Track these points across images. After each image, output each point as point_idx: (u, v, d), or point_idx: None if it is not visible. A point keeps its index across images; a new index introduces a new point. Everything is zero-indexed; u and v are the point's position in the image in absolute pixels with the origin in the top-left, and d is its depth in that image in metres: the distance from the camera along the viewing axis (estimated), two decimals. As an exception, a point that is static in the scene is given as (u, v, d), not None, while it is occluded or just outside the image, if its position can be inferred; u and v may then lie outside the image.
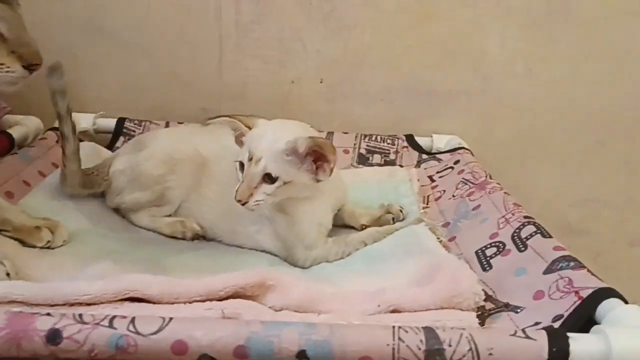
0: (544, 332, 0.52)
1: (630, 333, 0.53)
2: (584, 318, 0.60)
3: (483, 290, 0.68)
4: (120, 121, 1.26)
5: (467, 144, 1.25)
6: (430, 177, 1.15)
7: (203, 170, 0.95)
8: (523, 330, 0.53)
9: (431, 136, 1.28)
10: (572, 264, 0.68)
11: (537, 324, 0.62)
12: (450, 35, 1.28)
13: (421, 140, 1.27)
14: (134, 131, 1.25)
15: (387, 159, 1.23)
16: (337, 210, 0.97)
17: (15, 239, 0.81)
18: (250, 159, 0.82)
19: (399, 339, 0.51)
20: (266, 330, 0.51)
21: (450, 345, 0.51)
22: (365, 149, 1.24)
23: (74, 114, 1.23)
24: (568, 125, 1.33)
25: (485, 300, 0.68)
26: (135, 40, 1.28)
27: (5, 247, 0.78)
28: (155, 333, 0.50)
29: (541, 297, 0.66)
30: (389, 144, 1.26)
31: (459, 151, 1.20)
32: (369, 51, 1.29)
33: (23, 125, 1.17)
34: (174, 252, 0.89)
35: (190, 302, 0.65)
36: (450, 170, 1.14)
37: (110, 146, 1.22)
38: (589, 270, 0.66)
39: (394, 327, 0.51)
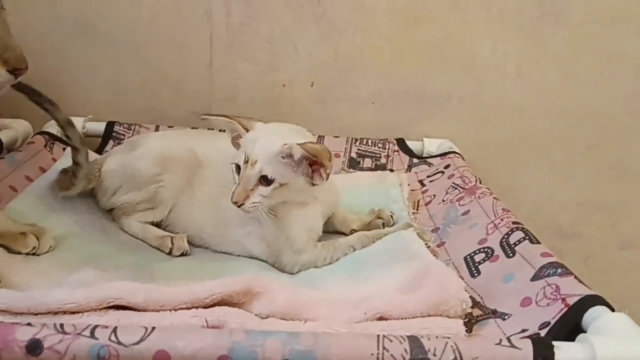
0: (529, 341, 0.52)
1: (615, 342, 0.53)
2: (570, 325, 0.60)
3: (471, 296, 0.67)
4: (110, 125, 1.25)
5: (458, 147, 1.25)
6: (421, 182, 1.15)
7: (196, 171, 0.95)
8: (508, 339, 0.52)
9: (422, 140, 1.28)
10: (559, 270, 0.67)
11: (524, 331, 0.62)
12: (442, 38, 1.28)
13: (412, 144, 1.27)
14: (123, 135, 1.24)
15: (378, 163, 1.23)
16: (328, 216, 0.97)
17: (0, 246, 0.80)
18: (246, 162, 0.83)
19: (384, 348, 0.50)
20: (249, 340, 0.50)
21: (435, 355, 0.50)
22: (356, 153, 1.24)
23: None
24: (559, 129, 1.34)
25: (473, 306, 0.68)
26: (125, 43, 1.27)
27: (-11, 254, 0.77)
28: (137, 343, 0.50)
29: (528, 304, 0.66)
30: (379, 147, 1.25)
31: (450, 155, 1.20)
32: (360, 54, 1.28)
33: (12, 129, 1.16)
34: (161, 259, 0.88)
35: (175, 310, 0.65)
36: (440, 174, 1.14)
37: (100, 150, 1.22)
38: (576, 277, 0.66)
39: (378, 336, 0.51)
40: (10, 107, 1.22)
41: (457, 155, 1.20)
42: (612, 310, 0.59)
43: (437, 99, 1.31)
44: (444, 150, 1.23)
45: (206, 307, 0.65)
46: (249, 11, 1.26)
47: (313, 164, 0.83)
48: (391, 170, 1.20)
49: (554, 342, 0.52)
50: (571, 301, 0.61)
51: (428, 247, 0.82)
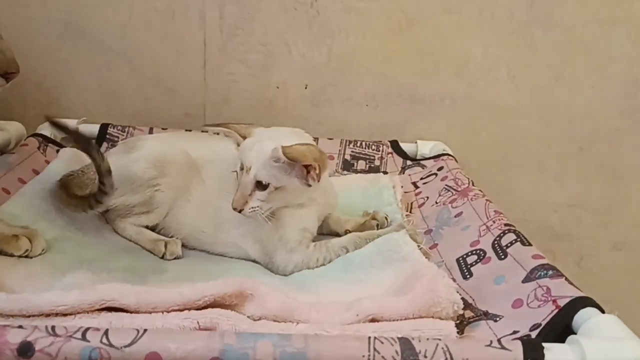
0: (519, 343, 0.52)
1: (604, 344, 0.53)
2: (561, 327, 0.60)
3: (463, 298, 0.68)
4: (103, 127, 1.25)
5: (451, 149, 1.26)
6: (414, 184, 1.16)
7: (192, 174, 0.95)
8: (499, 341, 0.53)
9: (416, 142, 1.29)
10: (550, 272, 0.68)
11: (515, 332, 0.63)
12: (434, 41, 1.28)
13: (406, 146, 1.27)
14: (117, 137, 1.24)
15: (372, 165, 1.24)
16: (324, 218, 0.97)
17: (-8, 248, 0.80)
18: (242, 168, 0.84)
19: (375, 349, 0.51)
20: (241, 342, 0.50)
21: (425, 356, 0.51)
22: (350, 155, 1.24)
23: (56, 120, 1.24)
24: (550, 131, 1.34)
25: (464, 308, 0.68)
26: (118, 45, 1.27)
27: (-18, 257, 0.77)
28: (128, 345, 0.50)
29: (520, 305, 0.67)
30: (373, 150, 1.26)
31: (443, 157, 1.20)
32: (354, 57, 1.29)
33: (5, 131, 1.15)
34: (154, 262, 0.88)
35: (167, 312, 0.64)
36: (434, 176, 1.14)
37: (93, 152, 1.21)
38: (567, 279, 0.66)
39: (369, 338, 0.51)
40: (3, 110, 1.22)
41: (450, 157, 1.20)
42: (603, 312, 0.59)
43: (431, 101, 1.32)
44: (437, 153, 1.24)
45: (198, 309, 0.65)
46: (243, 13, 1.26)
47: (308, 166, 0.83)
48: (385, 173, 1.20)
49: (544, 344, 0.52)
50: (562, 303, 0.62)
51: (420, 249, 0.82)
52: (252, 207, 0.84)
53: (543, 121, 1.34)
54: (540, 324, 0.61)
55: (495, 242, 0.81)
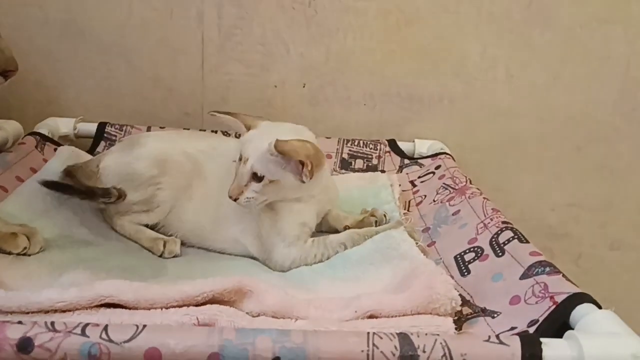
0: (517, 338, 0.52)
1: (601, 339, 0.53)
2: (558, 323, 0.60)
3: (460, 295, 0.68)
4: (101, 126, 1.25)
5: (449, 148, 1.26)
6: (412, 182, 1.16)
7: (194, 172, 0.96)
8: (497, 336, 0.53)
9: (413, 141, 1.29)
10: (547, 269, 0.68)
11: (513, 328, 0.63)
12: (432, 41, 1.29)
13: (403, 145, 1.28)
14: (115, 136, 1.24)
15: (370, 164, 1.24)
16: (323, 215, 0.97)
17: (-9, 246, 0.80)
18: (240, 159, 0.86)
19: (374, 345, 0.51)
20: (240, 338, 0.51)
21: (424, 351, 0.51)
22: (348, 154, 1.25)
23: (54, 119, 1.24)
24: (548, 131, 1.35)
25: (462, 305, 0.69)
26: (116, 44, 1.27)
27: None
28: (128, 341, 0.50)
29: (517, 302, 0.67)
30: (371, 148, 1.26)
31: (441, 156, 1.21)
32: (352, 56, 1.29)
33: (3, 130, 1.15)
34: (152, 260, 0.88)
35: (166, 308, 0.65)
36: (431, 175, 1.15)
37: (91, 151, 1.21)
38: (564, 276, 0.67)
39: (368, 333, 0.51)
40: (1, 108, 1.22)
41: (447, 156, 1.21)
42: (600, 308, 0.60)
43: (428, 100, 1.32)
44: (435, 151, 1.24)
45: (197, 305, 0.65)
46: (241, 13, 1.26)
47: (303, 162, 0.84)
48: (382, 171, 1.21)
49: (541, 339, 0.53)
50: (559, 299, 0.62)
51: (418, 246, 0.83)
52: (247, 198, 0.85)
53: (541, 120, 1.34)
54: (537, 320, 0.61)
55: (493, 239, 0.81)
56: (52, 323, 0.51)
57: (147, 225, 0.95)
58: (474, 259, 0.81)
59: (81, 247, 0.88)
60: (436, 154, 1.23)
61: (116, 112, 1.30)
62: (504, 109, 1.33)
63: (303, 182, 0.85)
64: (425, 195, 1.08)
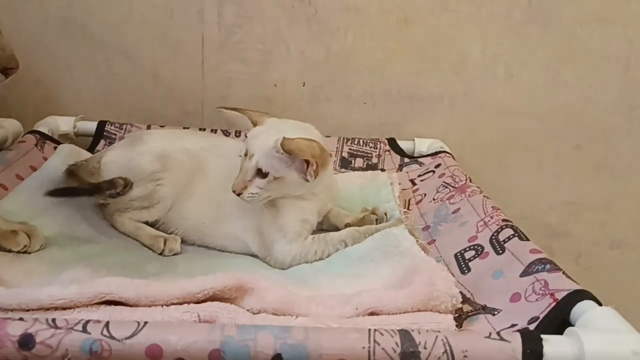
0: (518, 334, 0.52)
1: (602, 335, 0.53)
2: (558, 320, 0.60)
3: (461, 292, 0.68)
4: (101, 124, 1.25)
5: (449, 147, 1.26)
6: (412, 181, 1.16)
7: (196, 169, 0.96)
8: (498, 333, 0.53)
9: (413, 140, 1.29)
10: (547, 266, 0.68)
11: (513, 325, 0.63)
12: (432, 39, 1.29)
13: (403, 144, 1.28)
14: (115, 134, 1.24)
15: (370, 163, 1.24)
16: (325, 213, 0.98)
17: (-9, 244, 0.80)
18: (246, 154, 0.86)
19: (375, 341, 0.51)
20: (241, 334, 0.50)
21: (425, 348, 0.51)
22: (348, 153, 1.25)
23: (54, 117, 1.24)
24: (547, 129, 1.35)
25: (463, 302, 0.69)
26: (116, 42, 1.27)
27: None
28: (129, 337, 0.50)
29: (518, 299, 0.67)
30: (371, 147, 1.26)
31: (441, 155, 1.21)
32: (352, 54, 1.29)
33: (2, 128, 1.15)
34: (152, 257, 0.88)
35: (167, 305, 0.65)
36: (431, 173, 1.15)
37: (91, 149, 1.21)
38: (564, 273, 0.67)
39: (369, 330, 0.51)
40: (0, 107, 1.22)
41: (447, 154, 1.21)
42: (600, 304, 0.60)
43: (428, 99, 1.32)
44: (434, 150, 1.24)
45: (197, 302, 0.65)
46: (241, 11, 1.26)
47: (308, 161, 0.84)
48: (382, 170, 1.21)
49: (542, 335, 0.53)
50: (559, 296, 0.62)
51: (419, 243, 0.83)
52: (251, 193, 0.85)
53: (540, 119, 1.34)
54: (538, 317, 0.61)
55: (493, 237, 0.81)
56: (54, 320, 0.51)
57: (147, 223, 0.95)
58: (474, 257, 0.81)
59: (81, 245, 0.88)
60: (436, 153, 1.23)
61: (116, 111, 1.29)
62: (504, 108, 1.33)
63: (307, 180, 0.85)
64: (425, 194, 1.08)
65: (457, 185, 1.03)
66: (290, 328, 0.51)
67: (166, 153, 0.95)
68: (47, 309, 0.63)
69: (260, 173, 0.85)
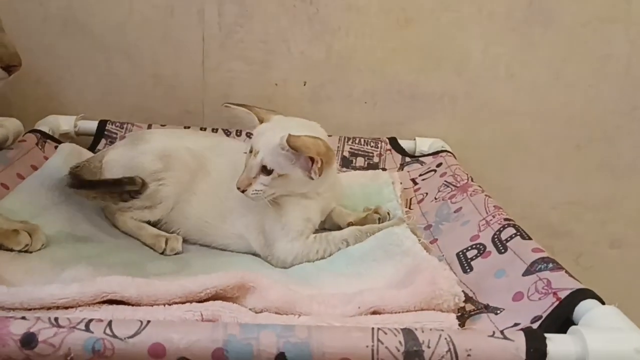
0: (521, 333, 0.52)
1: (605, 334, 0.53)
2: (561, 319, 0.60)
3: (463, 291, 0.68)
4: (102, 123, 1.25)
5: (450, 147, 1.26)
6: (413, 180, 1.16)
7: (198, 169, 0.96)
8: (501, 331, 0.53)
9: (414, 139, 1.29)
10: (550, 265, 0.68)
11: (516, 324, 0.63)
12: (433, 39, 1.28)
13: (404, 143, 1.28)
14: (115, 133, 1.24)
15: (371, 162, 1.24)
16: (328, 212, 0.97)
17: (-8, 243, 0.80)
18: (251, 151, 0.86)
19: (378, 340, 0.51)
20: (244, 333, 0.50)
21: (429, 347, 0.51)
22: (349, 152, 1.25)
23: (55, 117, 1.24)
24: (548, 129, 1.35)
25: (465, 301, 0.69)
26: (117, 41, 1.27)
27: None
28: (132, 336, 0.50)
29: (520, 298, 0.67)
30: (372, 146, 1.26)
31: (442, 154, 1.21)
32: (353, 54, 1.29)
33: (3, 127, 1.15)
34: (154, 257, 0.88)
35: (169, 304, 0.64)
36: (432, 173, 1.15)
37: (92, 149, 1.21)
38: (567, 272, 0.67)
39: (372, 328, 0.51)
40: (1, 106, 1.22)
41: (449, 154, 1.21)
42: (603, 303, 0.60)
43: (429, 98, 1.32)
44: (436, 149, 1.24)
45: (200, 301, 0.65)
46: (242, 11, 1.26)
47: (312, 159, 0.84)
48: (384, 169, 1.21)
49: (546, 334, 0.52)
50: (562, 295, 0.62)
51: (420, 242, 0.83)
52: (255, 190, 0.85)
53: (541, 119, 1.34)
54: (541, 316, 0.61)
55: (495, 236, 0.81)
56: (56, 318, 0.51)
57: (149, 222, 0.95)
58: (476, 256, 0.81)
59: (82, 244, 0.88)
60: (437, 152, 1.23)
61: (117, 110, 1.29)
62: (505, 107, 1.33)
63: (312, 178, 0.85)
64: (426, 193, 1.08)
65: (458, 185, 1.02)
66: (293, 327, 0.51)
67: (168, 152, 0.95)
68: (49, 308, 0.63)
69: (265, 170, 0.85)
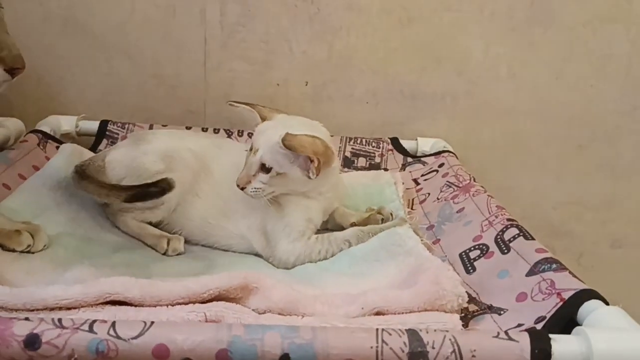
0: (526, 334, 0.52)
1: (610, 334, 0.53)
2: (565, 319, 0.60)
3: (467, 292, 0.68)
4: (103, 124, 1.25)
5: (452, 147, 1.26)
6: (415, 180, 1.16)
7: (200, 169, 0.96)
8: (505, 332, 0.53)
9: (416, 139, 1.29)
10: (554, 265, 0.68)
11: (520, 325, 0.63)
12: (435, 38, 1.28)
13: (406, 143, 1.28)
14: (117, 134, 1.23)
15: (372, 162, 1.24)
16: (330, 212, 0.97)
17: (-5, 243, 0.80)
18: (251, 149, 0.87)
19: (383, 341, 0.51)
20: (249, 334, 0.50)
21: (433, 347, 0.51)
22: (351, 152, 1.25)
23: (56, 117, 1.24)
24: (549, 129, 1.35)
25: (468, 302, 0.68)
26: (118, 41, 1.27)
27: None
28: (136, 337, 0.50)
29: (524, 299, 0.67)
30: (374, 147, 1.26)
31: (444, 154, 1.21)
32: (354, 53, 1.29)
33: (4, 127, 1.14)
34: (156, 257, 0.88)
35: (172, 305, 0.64)
36: (434, 173, 1.14)
37: (93, 149, 1.21)
38: (570, 272, 0.66)
39: (377, 329, 0.51)
40: (3, 106, 1.22)
41: (451, 154, 1.20)
42: (607, 303, 0.60)
43: (431, 98, 1.32)
44: (438, 150, 1.24)
45: (203, 302, 0.65)
46: (244, 10, 1.26)
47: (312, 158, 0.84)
48: (385, 169, 1.21)
49: (550, 335, 0.52)
50: (566, 295, 0.62)
51: (423, 242, 0.82)
52: (254, 188, 0.86)
53: (543, 119, 1.34)
54: (545, 317, 0.61)
55: (498, 236, 0.81)
56: (60, 319, 0.51)
57: (150, 223, 0.95)
58: (479, 256, 0.80)
59: (84, 244, 0.87)
60: (439, 152, 1.23)
61: (118, 110, 1.29)
62: (506, 107, 1.33)
63: (310, 178, 0.85)
64: (428, 193, 1.08)
65: (461, 185, 1.02)
66: (297, 328, 0.51)
67: (170, 153, 0.95)
68: (52, 309, 0.63)
69: (264, 168, 0.85)
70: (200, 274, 0.70)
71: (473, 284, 0.75)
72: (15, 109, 1.21)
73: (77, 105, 1.29)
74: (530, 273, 0.70)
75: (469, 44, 1.29)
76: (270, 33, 1.27)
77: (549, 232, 1.40)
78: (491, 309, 0.69)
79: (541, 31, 1.29)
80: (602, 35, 1.29)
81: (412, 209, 1.05)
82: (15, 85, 0.88)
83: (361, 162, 1.24)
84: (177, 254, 0.91)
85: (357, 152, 1.25)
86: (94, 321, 0.51)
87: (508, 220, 0.83)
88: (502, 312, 0.67)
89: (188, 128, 1.23)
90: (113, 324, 0.50)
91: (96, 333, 0.50)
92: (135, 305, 0.64)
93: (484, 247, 0.81)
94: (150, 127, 1.23)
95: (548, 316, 0.61)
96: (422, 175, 1.16)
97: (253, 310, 0.66)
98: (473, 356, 0.50)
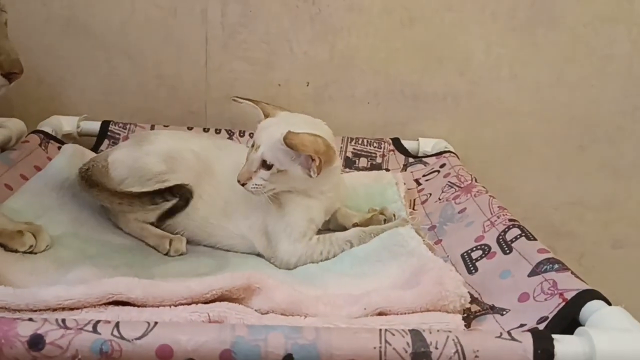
0: (529, 334, 0.52)
1: (613, 334, 0.53)
2: (568, 320, 0.60)
3: (469, 292, 0.68)
4: (105, 124, 1.25)
5: (453, 147, 1.26)
6: (417, 181, 1.16)
7: (202, 170, 0.96)
8: (508, 332, 0.53)
9: (417, 139, 1.29)
10: (556, 266, 0.68)
11: (522, 325, 0.63)
12: (436, 39, 1.29)
13: (407, 144, 1.28)
14: (118, 134, 1.23)
15: (374, 163, 1.24)
16: (332, 212, 0.97)
17: (-3, 244, 0.80)
18: (253, 145, 0.87)
19: (386, 341, 0.51)
20: (252, 334, 0.50)
21: (436, 348, 0.51)
22: (352, 152, 1.25)
23: (57, 117, 1.24)
24: (551, 130, 1.35)
25: (471, 302, 0.68)
26: (119, 42, 1.27)
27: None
28: (139, 338, 0.50)
29: (526, 299, 0.67)
30: (375, 147, 1.26)
31: (445, 154, 1.21)
32: (356, 54, 1.29)
33: (6, 128, 1.15)
34: (158, 258, 0.88)
35: (175, 305, 0.64)
36: (436, 173, 1.14)
37: (95, 149, 1.21)
38: (572, 273, 0.67)
39: (380, 330, 0.51)
40: (4, 107, 1.22)
41: (452, 154, 1.20)
42: (609, 304, 0.60)
43: (432, 98, 1.32)
44: (439, 150, 1.24)
45: (206, 302, 0.65)
46: (245, 11, 1.26)
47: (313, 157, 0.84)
48: (387, 170, 1.21)
49: (553, 335, 0.52)
50: (568, 296, 0.62)
51: (425, 243, 0.82)
52: (255, 184, 0.86)
53: (544, 119, 1.34)
54: (547, 317, 0.61)
55: (500, 237, 0.81)
56: (63, 320, 0.51)
57: (152, 223, 0.95)
58: (481, 257, 0.80)
59: (87, 245, 0.87)
60: (440, 153, 1.23)
61: (120, 110, 1.29)
62: (508, 107, 1.33)
63: (310, 176, 0.85)
64: (430, 194, 1.08)
65: (462, 185, 1.02)
66: (301, 328, 0.51)
67: (172, 154, 0.95)
68: (55, 310, 0.62)
69: (265, 165, 0.85)
70: (203, 275, 0.69)
71: (475, 285, 0.76)
72: (17, 110, 1.22)
73: (78, 106, 1.29)
74: (532, 273, 0.70)
75: (470, 44, 1.29)
76: (272, 33, 1.27)
77: (550, 233, 1.41)
78: (493, 309, 0.69)
79: (542, 31, 1.29)
80: (604, 36, 1.29)
81: (413, 209, 1.05)
82: (16, 86, 0.88)
83: (363, 162, 1.24)
84: (179, 255, 0.91)
85: (359, 152, 1.25)
86: (98, 322, 0.51)
87: (510, 220, 0.83)
88: (504, 313, 0.67)
89: (189, 128, 1.23)
90: (117, 325, 0.50)
91: (100, 333, 0.50)
92: (138, 306, 0.64)
93: (486, 248, 0.81)
94: (152, 128, 1.23)
95: (550, 316, 0.61)
96: (424, 176, 1.16)
97: (256, 310, 0.66)
98: (476, 356, 0.50)
